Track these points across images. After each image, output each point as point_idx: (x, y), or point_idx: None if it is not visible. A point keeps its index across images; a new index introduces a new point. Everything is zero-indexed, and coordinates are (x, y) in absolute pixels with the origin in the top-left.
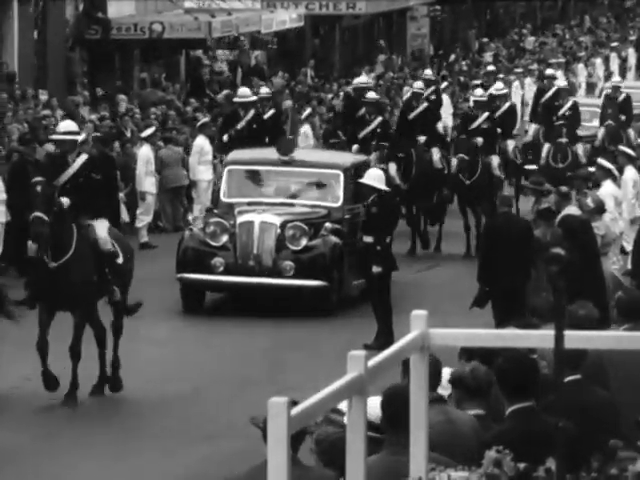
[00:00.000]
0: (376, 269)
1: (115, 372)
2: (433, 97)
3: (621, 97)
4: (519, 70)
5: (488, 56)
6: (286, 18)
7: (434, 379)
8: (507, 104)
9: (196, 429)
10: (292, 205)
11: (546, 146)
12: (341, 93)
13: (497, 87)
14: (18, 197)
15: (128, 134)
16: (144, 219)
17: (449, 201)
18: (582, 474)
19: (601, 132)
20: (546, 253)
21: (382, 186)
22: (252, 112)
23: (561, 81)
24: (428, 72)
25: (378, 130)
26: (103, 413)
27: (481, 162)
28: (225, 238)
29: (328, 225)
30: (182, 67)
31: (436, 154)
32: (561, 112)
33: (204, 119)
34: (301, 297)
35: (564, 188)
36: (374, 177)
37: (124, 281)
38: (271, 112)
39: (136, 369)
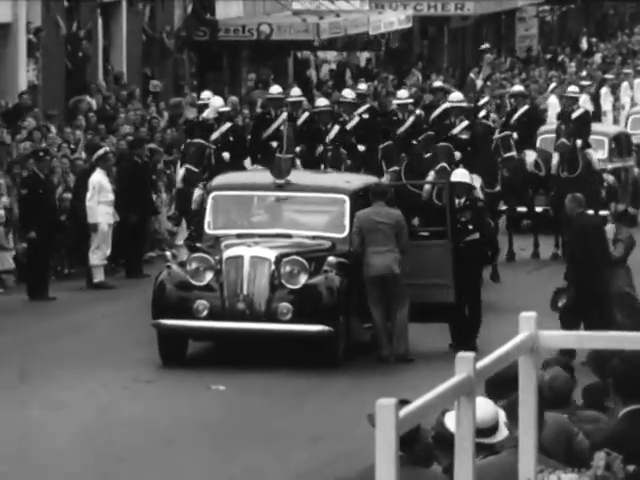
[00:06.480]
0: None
1: None
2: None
3: (578, 112)
4: (628, 71)
5: (597, 57)
6: (394, 19)
7: (562, 397)
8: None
9: (306, 430)
10: (289, 236)
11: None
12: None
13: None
14: (126, 198)
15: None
16: None
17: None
18: None
19: (555, 158)
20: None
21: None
22: (228, 123)
23: None
24: (403, 93)
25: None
26: (213, 414)
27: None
28: (209, 276)
29: (332, 259)
30: (290, 68)
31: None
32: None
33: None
34: (301, 345)
35: None
36: (464, 175)
37: None
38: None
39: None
